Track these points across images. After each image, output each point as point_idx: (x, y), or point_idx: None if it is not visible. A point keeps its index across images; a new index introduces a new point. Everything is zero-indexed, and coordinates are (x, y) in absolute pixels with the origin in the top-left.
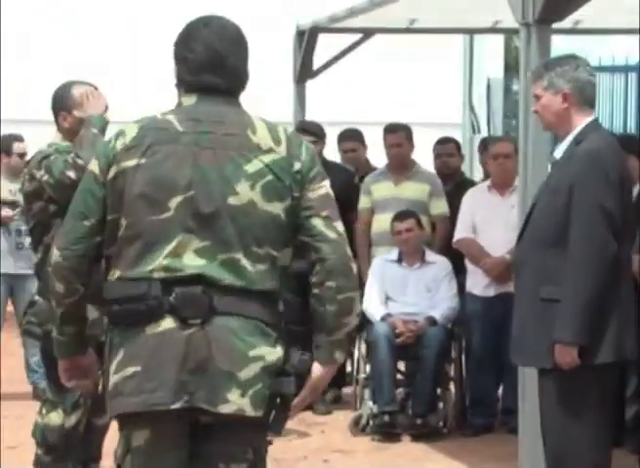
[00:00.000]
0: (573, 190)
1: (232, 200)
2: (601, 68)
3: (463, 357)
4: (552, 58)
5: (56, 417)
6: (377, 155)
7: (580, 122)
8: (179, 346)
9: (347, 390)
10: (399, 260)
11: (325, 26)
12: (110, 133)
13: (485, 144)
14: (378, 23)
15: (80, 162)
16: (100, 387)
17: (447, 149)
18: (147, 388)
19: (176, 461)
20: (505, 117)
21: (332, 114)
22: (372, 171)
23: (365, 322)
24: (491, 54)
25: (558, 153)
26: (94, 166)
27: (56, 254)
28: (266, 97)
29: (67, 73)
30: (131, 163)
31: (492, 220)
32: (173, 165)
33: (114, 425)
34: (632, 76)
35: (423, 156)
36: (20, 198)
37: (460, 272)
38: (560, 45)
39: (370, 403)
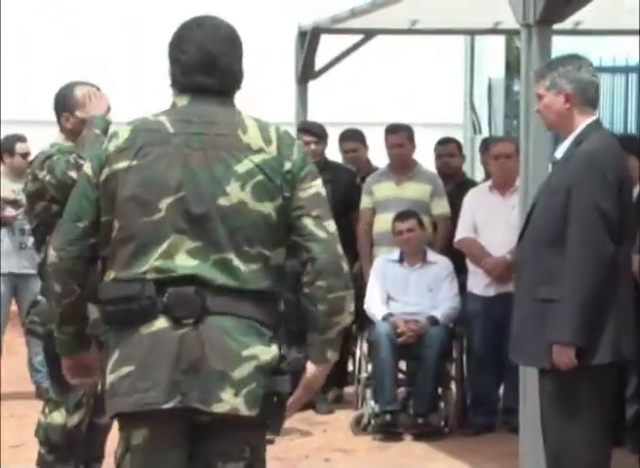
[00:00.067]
0: (571, 191)
1: (222, 200)
2: (602, 69)
3: (465, 356)
4: (555, 58)
5: (58, 417)
6: (378, 155)
7: (582, 122)
8: (172, 346)
9: (349, 389)
10: (400, 260)
11: (327, 27)
12: None
13: (486, 145)
14: (379, 24)
15: (82, 162)
16: (99, 387)
17: (448, 149)
18: (141, 388)
19: (174, 460)
20: (506, 117)
21: (333, 114)
22: (373, 171)
23: (367, 321)
24: (492, 54)
25: (559, 153)
26: (87, 168)
27: (52, 255)
28: (268, 97)
29: (67, 73)
30: (122, 165)
31: (493, 220)
32: (163, 166)
33: (116, 425)
34: (633, 77)
35: (425, 156)
36: (22, 198)
37: (461, 272)
38: (561, 46)
39: (371, 402)
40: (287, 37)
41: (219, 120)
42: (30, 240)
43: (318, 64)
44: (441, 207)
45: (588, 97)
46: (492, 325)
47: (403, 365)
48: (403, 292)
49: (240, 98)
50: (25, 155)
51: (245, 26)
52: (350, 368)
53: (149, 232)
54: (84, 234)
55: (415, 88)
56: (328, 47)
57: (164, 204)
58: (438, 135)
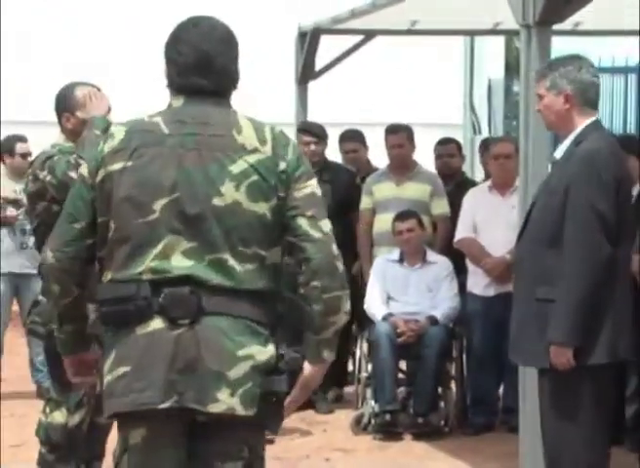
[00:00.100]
0: (568, 191)
1: (217, 201)
2: (601, 69)
3: (464, 356)
4: (556, 59)
5: (59, 416)
6: (378, 156)
7: (582, 123)
8: (167, 346)
9: (349, 389)
10: (400, 260)
11: (327, 28)
12: None
13: (486, 145)
14: (379, 25)
15: (82, 163)
16: (98, 386)
17: (448, 150)
18: (137, 388)
19: (172, 460)
20: (506, 118)
21: (333, 115)
22: (373, 171)
23: (366, 321)
24: (491, 55)
25: (558, 153)
26: (84, 169)
27: (49, 256)
28: (268, 97)
29: (67, 73)
30: (117, 166)
31: (492, 220)
32: (158, 167)
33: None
34: (632, 77)
35: (425, 156)
36: (23, 198)
37: (460, 272)
38: (560, 46)
39: (371, 402)
40: (287, 38)
41: (213, 121)
42: (31, 240)
43: (318, 65)
44: (441, 207)
45: (588, 98)
46: (491, 325)
47: (403, 364)
48: (403, 291)
49: (240, 99)
50: (25, 155)
51: (245, 27)
52: (350, 367)
53: (144, 233)
54: (80, 235)
55: (414, 88)
56: (328, 47)
57: (158, 205)
58: (438, 135)
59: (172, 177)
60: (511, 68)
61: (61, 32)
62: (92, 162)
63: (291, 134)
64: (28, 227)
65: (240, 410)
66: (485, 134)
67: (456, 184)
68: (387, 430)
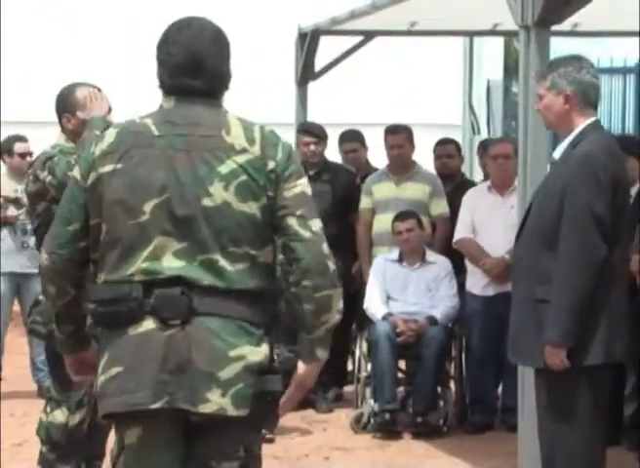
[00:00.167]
0: (565, 191)
1: (206, 201)
2: (599, 70)
3: (464, 356)
4: (556, 59)
5: (60, 415)
6: (377, 156)
7: (581, 123)
8: (159, 347)
9: (349, 388)
10: (400, 260)
11: (327, 29)
12: None
13: (484, 146)
14: (379, 26)
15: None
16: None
17: (447, 150)
18: (128, 388)
19: (168, 460)
20: (505, 118)
21: (333, 115)
22: (372, 171)
23: (366, 321)
24: (490, 56)
25: (557, 154)
26: (76, 171)
27: (44, 258)
28: (268, 98)
29: (67, 73)
30: (108, 168)
31: (491, 221)
32: (148, 169)
33: None
34: (630, 78)
35: (424, 157)
36: (24, 197)
37: (459, 272)
38: (559, 47)
39: (371, 401)
40: (287, 39)
41: (204, 121)
42: (32, 239)
43: (318, 66)
44: (440, 207)
45: (588, 99)
46: (491, 324)
47: (402, 364)
48: (402, 291)
49: (240, 99)
50: (24, 155)
51: (245, 28)
52: (350, 367)
53: (135, 235)
54: (74, 237)
55: (414, 89)
56: (328, 48)
57: (149, 206)
58: (437, 135)
59: (161, 179)
60: (510, 69)
61: (61, 32)
62: (83, 164)
63: (291, 134)
64: (29, 227)
65: (231, 411)
66: (484, 134)
67: (455, 185)
68: (387, 429)
